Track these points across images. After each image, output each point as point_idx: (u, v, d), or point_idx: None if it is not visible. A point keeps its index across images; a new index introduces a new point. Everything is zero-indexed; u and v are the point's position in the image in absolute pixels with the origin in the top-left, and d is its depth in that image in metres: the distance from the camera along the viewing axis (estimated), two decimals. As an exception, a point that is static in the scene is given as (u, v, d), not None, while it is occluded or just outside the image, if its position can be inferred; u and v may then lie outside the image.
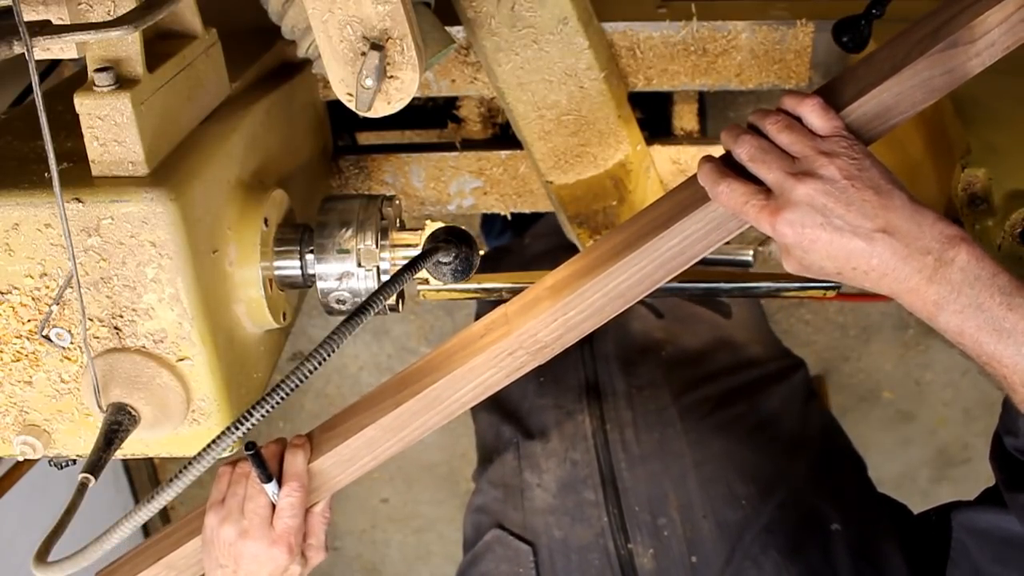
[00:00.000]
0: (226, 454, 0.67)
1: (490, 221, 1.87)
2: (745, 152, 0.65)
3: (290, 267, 0.82)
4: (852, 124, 0.65)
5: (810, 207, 0.60)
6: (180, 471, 0.65)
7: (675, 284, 0.97)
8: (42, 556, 0.63)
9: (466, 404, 0.75)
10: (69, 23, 0.66)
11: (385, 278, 0.81)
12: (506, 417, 1.11)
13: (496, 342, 0.73)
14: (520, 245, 1.46)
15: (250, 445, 0.69)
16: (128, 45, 0.66)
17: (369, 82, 0.72)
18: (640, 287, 0.71)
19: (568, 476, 0.99)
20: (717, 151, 0.70)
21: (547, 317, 0.72)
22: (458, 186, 1.16)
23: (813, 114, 0.64)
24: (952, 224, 0.60)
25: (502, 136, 1.18)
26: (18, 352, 0.72)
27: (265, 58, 0.96)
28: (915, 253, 0.59)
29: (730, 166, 0.66)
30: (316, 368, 0.63)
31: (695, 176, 0.69)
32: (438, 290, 0.96)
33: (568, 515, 0.96)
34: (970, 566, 0.71)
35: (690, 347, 1.12)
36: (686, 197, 0.71)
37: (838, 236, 0.60)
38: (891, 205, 0.60)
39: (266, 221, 0.80)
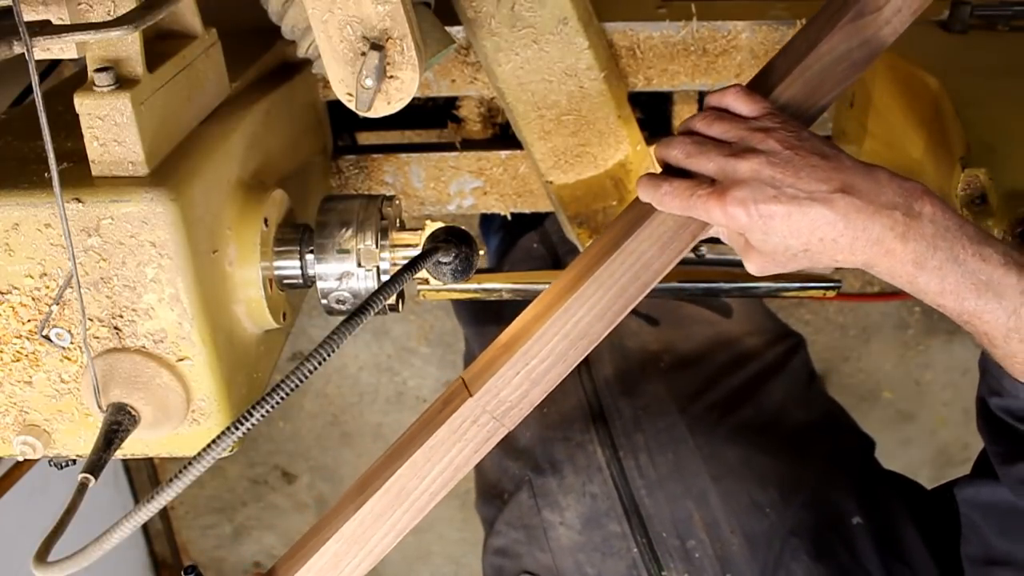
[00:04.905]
0: (226, 454, 0.67)
1: (487, 221, 1.87)
2: (680, 151, 0.63)
3: (290, 267, 0.82)
4: (784, 108, 0.64)
5: (758, 181, 0.58)
6: (180, 471, 0.65)
7: (674, 285, 0.97)
8: (42, 556, 0.63)
9: (437, 493, 0.69)
10: (69, 23, 0.66)
11: (385, 278, 0.81)
12: (509, 452, 1.07)
13: (456, 412, 0.67)
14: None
15: (189, 569, 0.64)
16: (128, 45, 0.66)
17: (369, 82, 0.72)
18: (603, 322, 0.66)
19: (590, 511, 0.97)
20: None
21: (507, 372, 0.66)
22: (458, 186, 1.16)
23: (737, 101, 0.63)
24: (908, 178, 0.58)
25: (502, 136, 1.18)
26: (18, 352, 0.72)
27: (265, 58, 0.96)
28: (882, 209, 0.57)
29: (669, 174, 0.64)
30: (316, 368, 0.63)
31: (637, 198, 0.66)
32: (438, 290, 0.96)
33: (597, 551, 0.94)
34: (980, 541, 0.69)
35: (687, 352, 1.10)
36: (631, 218, 0.67)
37: (795, 206, 0.57)
38: (841, 166, 0.58)
39: (266, 221, 0.80)
